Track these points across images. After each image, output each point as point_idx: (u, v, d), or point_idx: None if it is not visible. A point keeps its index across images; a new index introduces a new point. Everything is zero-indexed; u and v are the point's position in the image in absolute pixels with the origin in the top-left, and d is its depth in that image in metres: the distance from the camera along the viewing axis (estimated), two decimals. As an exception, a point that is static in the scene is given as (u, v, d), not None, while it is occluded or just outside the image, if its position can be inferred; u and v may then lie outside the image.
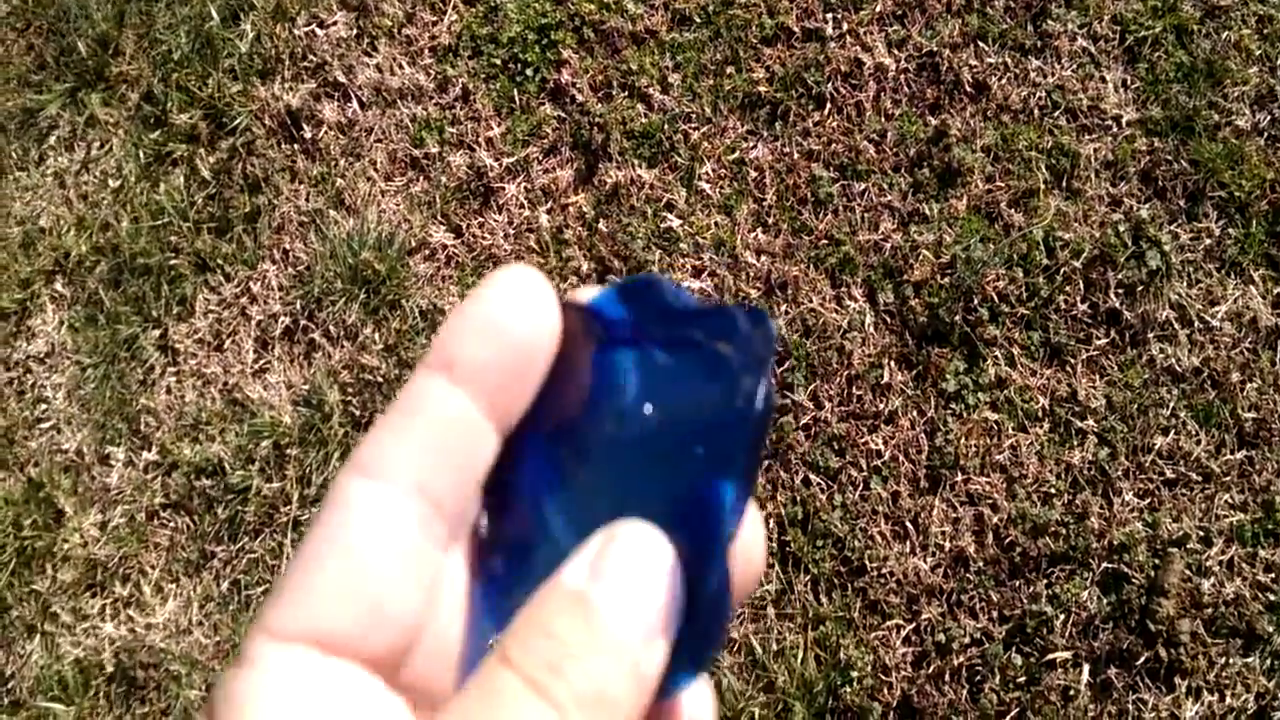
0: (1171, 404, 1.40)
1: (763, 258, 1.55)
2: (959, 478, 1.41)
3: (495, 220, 1.67)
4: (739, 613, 1.40)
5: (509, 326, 0.24)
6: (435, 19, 1.81)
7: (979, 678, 1.34)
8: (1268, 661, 1.28)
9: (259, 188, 1.80)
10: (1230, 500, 1.35)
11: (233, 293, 1.77)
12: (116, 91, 1.96)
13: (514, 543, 0.26)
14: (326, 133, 1.79)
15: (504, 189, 1.68)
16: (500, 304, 0.24)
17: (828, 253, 1.53)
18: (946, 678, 1.34)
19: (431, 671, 0.24)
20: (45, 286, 1.89)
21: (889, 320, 1.50)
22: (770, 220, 1.57)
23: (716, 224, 1.58)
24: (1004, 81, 1.57)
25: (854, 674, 1.35)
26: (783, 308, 1.52)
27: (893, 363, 1.47)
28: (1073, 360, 1.43)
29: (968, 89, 1.58)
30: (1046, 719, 1.30)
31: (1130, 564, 1.33)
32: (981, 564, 1.38)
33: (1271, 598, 1.30)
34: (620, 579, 0.22)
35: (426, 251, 1.69)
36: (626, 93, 1.68)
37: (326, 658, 0.21)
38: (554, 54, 1.72)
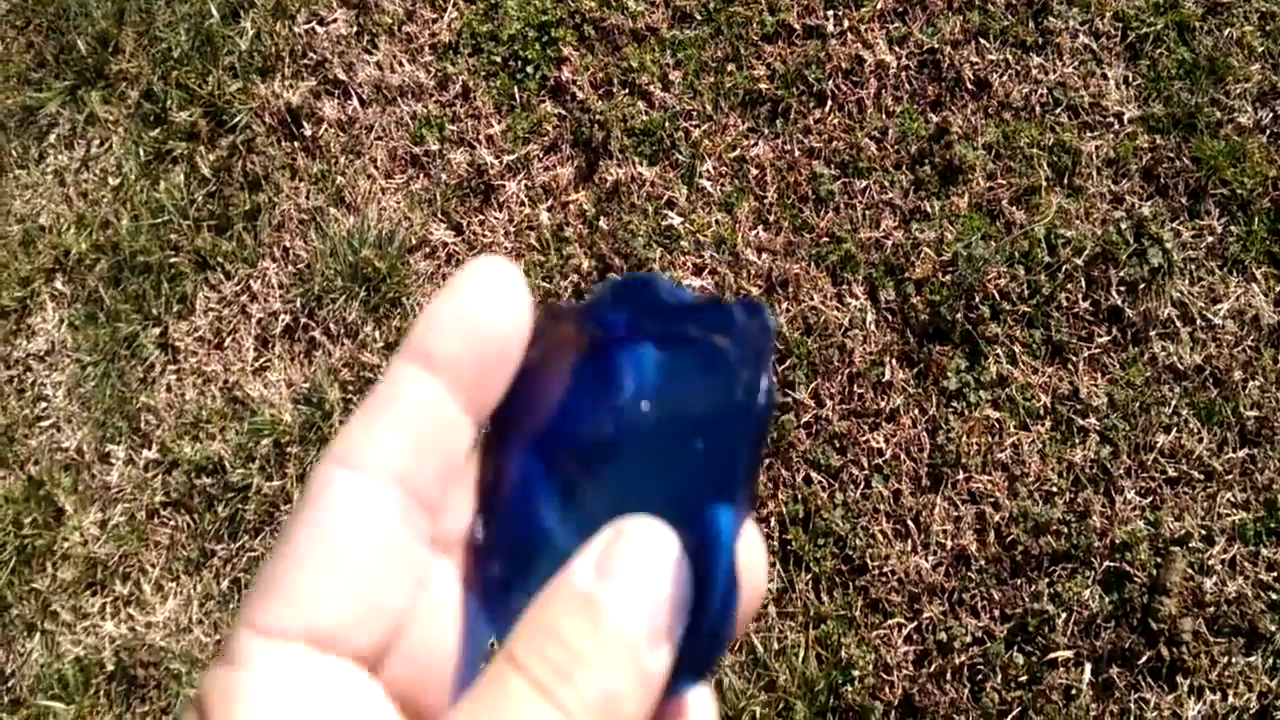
0: (1173, 402, 1.39)
1: (764, 255, 1.55)
2: (960, 476, 1.41)
3: (496, 218, 1.67)
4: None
5: (482, 318, 0.24)
6: (435, 16, 1.81)
7: (980, 676, 1.33)
8: (1270, 660, 1.28)
9: (259, 185, 1.80)
10: (1232, 499, 1.35)
11: (233, 291, 1.76)
12: (116, 89, 1.95)
13: (512, 546, 0.25)
14: (327, 130, 1.79)
15: (504, 186, 1.68)
16: (473, 296, 0.24)
17: (829, 250, 1.53)
18: (948, 676, 1.34)
19: (409, 675, 0.24)
20: (45, 284, 1.88)
21: (890, 318, 1.49)
22: (771, 218, 1.57)
23: (717, 222, 1.58)
24: (1005, 78, 1.56)
25: (855, 673, 1.35)
26: (784, 305, 1.52)
27: (894, 360, 1.47)
28: (1074, 358, 1.43)
29: (969, 86, 1.57)
30: (1048, 718, 1.29)
31: (1132, 562, 1.32)
32: (983, 562, 1.37)
33: (1274, 596, 1.30)
34: (628, 579, 0.22)
35: (427, 249, 1.69)
36: (627, 90, 1.67)
37: (316, 654, 0.21)
38: (554, 51, 1.72)
